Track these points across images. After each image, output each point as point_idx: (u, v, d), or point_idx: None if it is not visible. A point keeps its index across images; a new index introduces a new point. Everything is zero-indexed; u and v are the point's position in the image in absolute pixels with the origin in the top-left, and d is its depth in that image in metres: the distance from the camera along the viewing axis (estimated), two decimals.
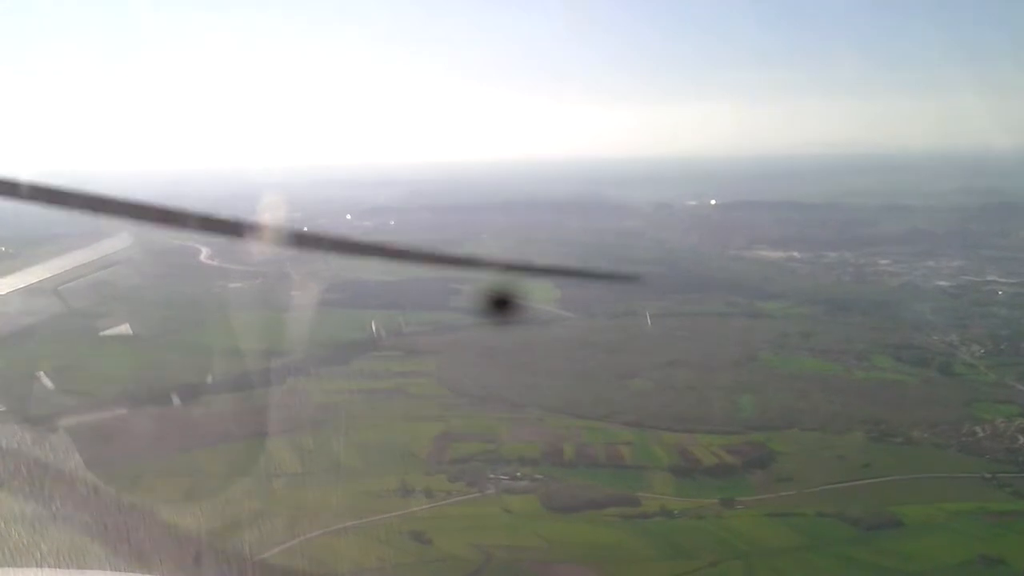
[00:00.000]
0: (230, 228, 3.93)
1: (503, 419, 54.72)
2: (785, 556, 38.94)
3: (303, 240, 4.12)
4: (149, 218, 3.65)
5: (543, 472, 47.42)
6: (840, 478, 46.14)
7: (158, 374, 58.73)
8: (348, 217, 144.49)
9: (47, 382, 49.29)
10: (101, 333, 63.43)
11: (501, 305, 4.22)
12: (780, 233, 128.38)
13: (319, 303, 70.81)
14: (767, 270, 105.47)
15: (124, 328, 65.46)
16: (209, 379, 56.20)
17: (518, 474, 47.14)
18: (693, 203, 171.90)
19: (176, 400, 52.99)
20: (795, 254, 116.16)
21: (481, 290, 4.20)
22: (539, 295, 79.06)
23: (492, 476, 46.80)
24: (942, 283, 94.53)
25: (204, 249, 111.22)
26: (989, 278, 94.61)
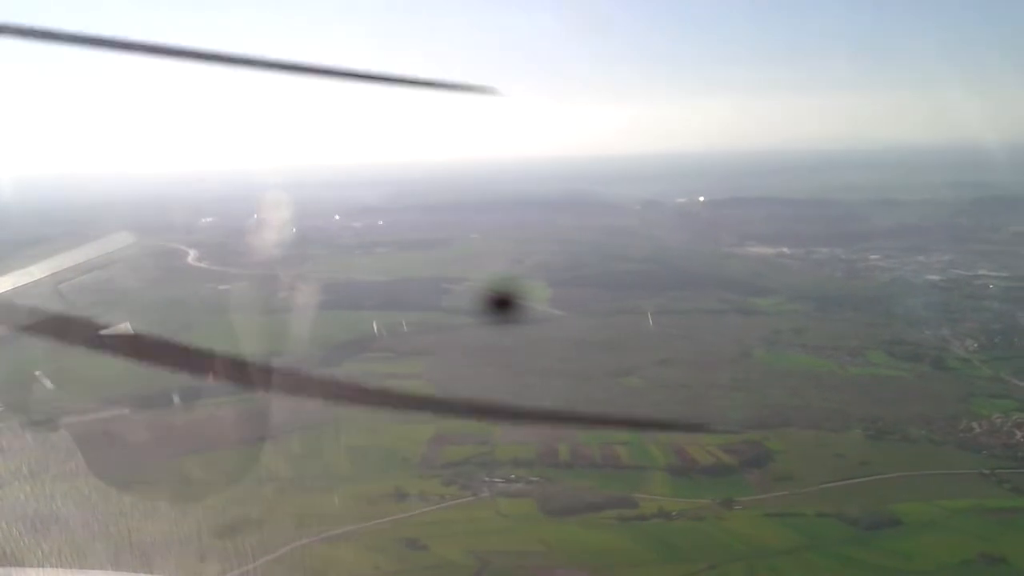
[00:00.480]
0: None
1: None
2: (785, 558, 38.45)
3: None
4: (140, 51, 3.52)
5: (538, 474, 46.86)
6: (838, 476, 45.82)
7: (145, 378, 57.83)
8: (337, 218, 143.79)
9: (47, 382, 49.12)
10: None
11: (501, 306, 3.93)
12: (770, 229, 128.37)
13: (308, 305, 70.05)
14: (758, 266, 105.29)
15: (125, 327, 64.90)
16: (193, 385, 55.44)
17: (513, 477, 46.57)
18: (682, 200, 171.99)
19: (164, 404, 52.50)
20: (785, 250, 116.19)
21: (481, 291, 3.88)
22: (531, 294, 78.59)
23: (487, 479, 46.22)
24: (933, 277, 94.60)
25: (192, 251, 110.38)
26: (980, 272, 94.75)
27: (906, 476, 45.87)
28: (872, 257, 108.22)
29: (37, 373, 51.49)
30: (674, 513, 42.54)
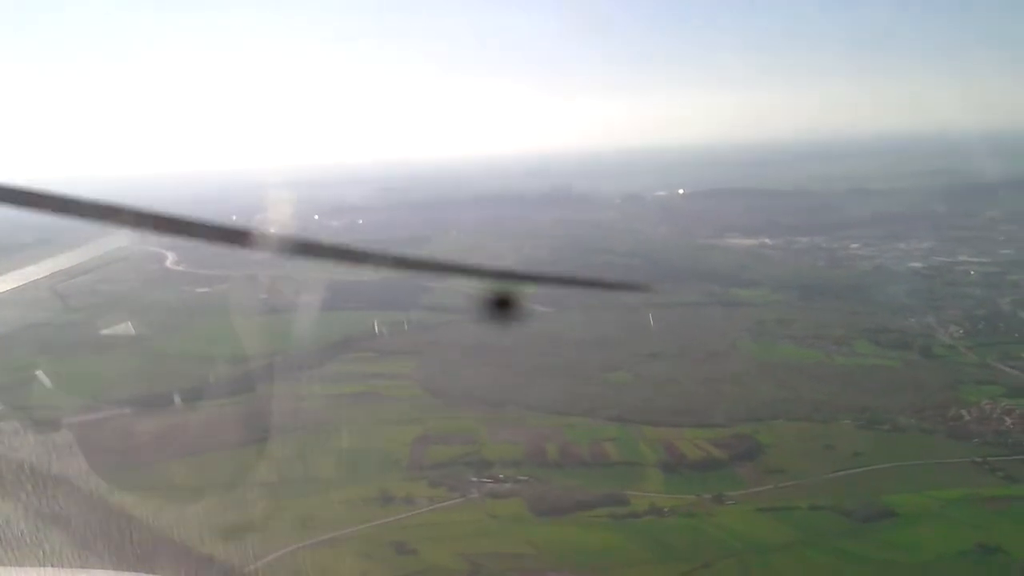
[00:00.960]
0: (204, 232, 3.54)
1: (483, 419, 53.26)
2: (780, 553, 37.85)
3: (299, 248, 3.71)
4: (121, 221, 3.33)
5: (527, 473, 46.07)
6: (830, 468, 45.29)
7: (129, 382, 56.73)
8: (316, 217, 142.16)
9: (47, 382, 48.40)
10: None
11: (499, 307, 3.90)
12: (750, 220, 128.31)
13: (288, 306, 68.97)
14: (740, 258, 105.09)
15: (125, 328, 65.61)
16: (178, 387, 54.62)
17: (501, 477, 45.73)
18: (662, 193, 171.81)
19: (165, 404, 52.02)
20: (767, 241, 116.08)
21: (478, 292, 3.85)
22: (519, 291, 77.63)
23: (475, 480, 45.36)
24: (915, 265, 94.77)
25: (170, 254, 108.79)
26: (960, 258, 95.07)
27: (898, 466, 45.42)
28: (853, 246, 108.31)
29: (37, 373, 50.75)
30: (666, 510, 41.84)
